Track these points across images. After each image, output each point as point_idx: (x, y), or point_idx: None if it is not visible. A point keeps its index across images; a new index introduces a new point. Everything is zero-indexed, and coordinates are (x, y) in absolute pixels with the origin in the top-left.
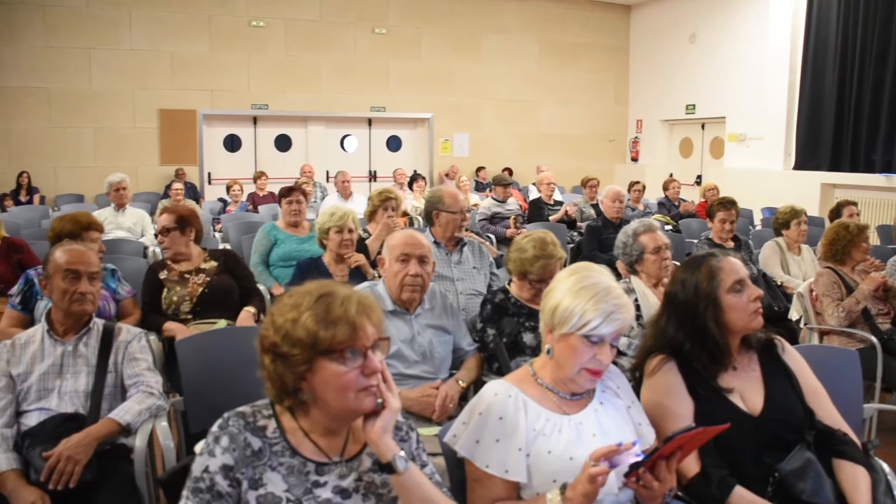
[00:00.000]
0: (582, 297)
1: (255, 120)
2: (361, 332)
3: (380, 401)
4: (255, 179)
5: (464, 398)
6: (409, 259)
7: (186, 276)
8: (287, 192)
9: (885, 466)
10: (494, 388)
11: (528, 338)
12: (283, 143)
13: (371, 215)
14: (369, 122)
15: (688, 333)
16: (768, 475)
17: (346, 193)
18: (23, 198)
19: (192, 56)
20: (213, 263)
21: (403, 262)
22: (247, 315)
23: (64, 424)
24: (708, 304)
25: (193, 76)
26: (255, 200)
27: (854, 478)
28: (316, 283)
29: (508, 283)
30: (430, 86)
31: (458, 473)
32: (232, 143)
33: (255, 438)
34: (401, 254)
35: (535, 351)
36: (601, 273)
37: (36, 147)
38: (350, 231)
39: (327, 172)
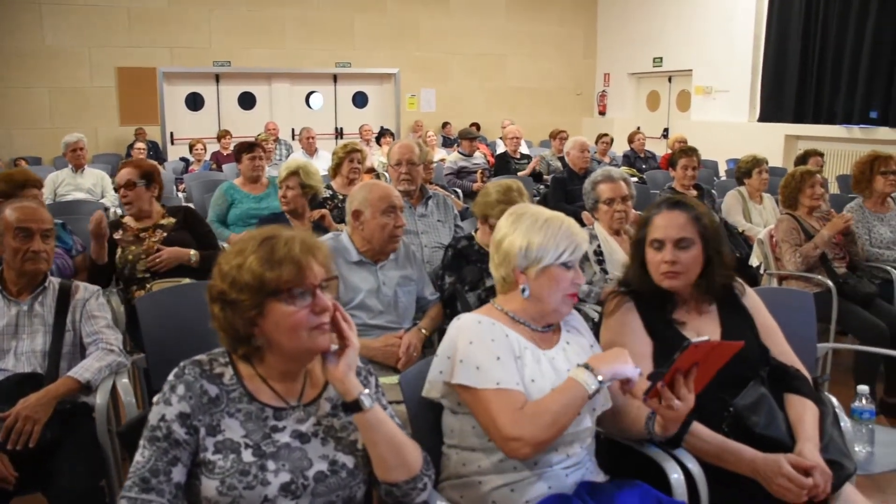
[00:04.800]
0: (549, 231)
1: (217, 77)
2: (308, 271)
3: (335, 347)
4: (219, 139)
5: (426, 346)
6: (395, 210)
7: (143, 234)
8: (247, 147)
9: (834, 400)
10: (473, 318)
11: (490, 282)
12: (246, 101)
13: (336, 168)
14: (335, 78)
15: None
16: (723, 410)
17: (310, 150)
18: None
19: (150, 11)
20: (172, 220)
21: (390, 213)
22: (185, 252)
23: (21, 384)
24: (638, 248)
25: (152, 32)
26: (218, 159)
27: (801, 410)
28: (259, 230)
29: (475, 231)
30: (397, 41)
31: (420, 420)
32: (194, 102)
33: (212, 386)
34: (388, 206)
35: None
36: (540, 208)
37: None
38: (289, 188)
39: (293, 130)
